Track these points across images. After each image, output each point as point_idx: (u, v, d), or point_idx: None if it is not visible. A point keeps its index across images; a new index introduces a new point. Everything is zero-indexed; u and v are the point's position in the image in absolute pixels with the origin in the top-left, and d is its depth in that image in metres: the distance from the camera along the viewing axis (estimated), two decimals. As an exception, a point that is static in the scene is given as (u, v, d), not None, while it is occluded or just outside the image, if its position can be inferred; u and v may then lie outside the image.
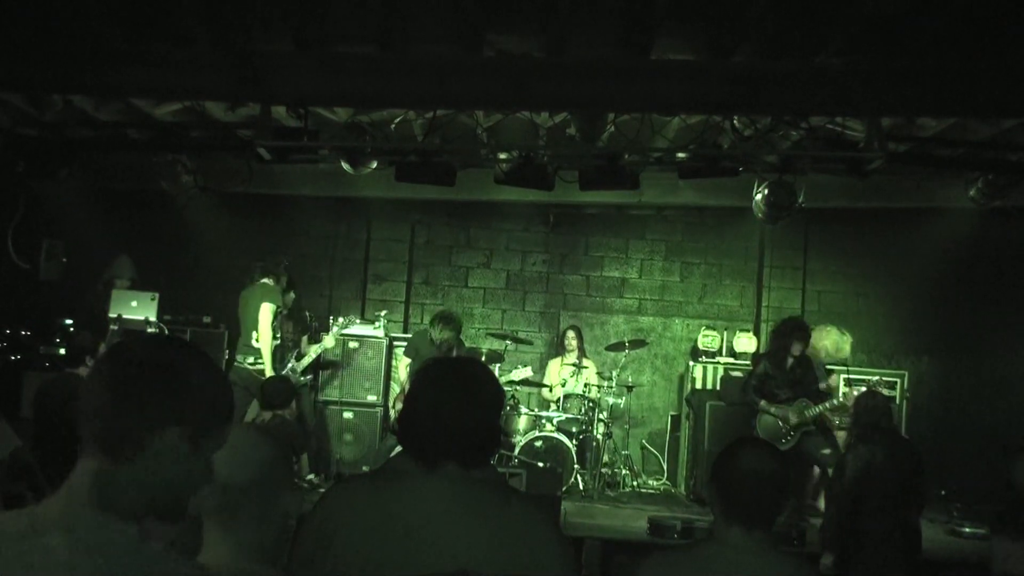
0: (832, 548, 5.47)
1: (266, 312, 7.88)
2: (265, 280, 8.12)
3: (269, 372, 7.82)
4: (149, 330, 8.48)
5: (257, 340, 7.89)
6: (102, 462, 1.54)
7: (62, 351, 8.52)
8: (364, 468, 8.35)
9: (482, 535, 2.11)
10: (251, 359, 7.94)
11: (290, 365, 8.20)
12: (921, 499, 5.49)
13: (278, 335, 8.03)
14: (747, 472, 2.49)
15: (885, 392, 7.47)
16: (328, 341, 8.48)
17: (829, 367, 8.99)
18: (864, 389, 7.21)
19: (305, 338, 8.58)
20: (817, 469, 8.02)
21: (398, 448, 2.40)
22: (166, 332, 8.62)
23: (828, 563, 5.41)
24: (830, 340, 8.08)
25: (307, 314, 9.25)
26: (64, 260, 8.86)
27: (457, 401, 2.22)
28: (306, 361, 8.28)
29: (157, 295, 8.83)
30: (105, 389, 1.56)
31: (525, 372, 9.18)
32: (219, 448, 1.64)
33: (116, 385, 1.56)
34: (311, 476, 8.20)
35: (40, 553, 1.44)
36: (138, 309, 8.74)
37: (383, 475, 2.30)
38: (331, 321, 9.41)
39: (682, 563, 2.57)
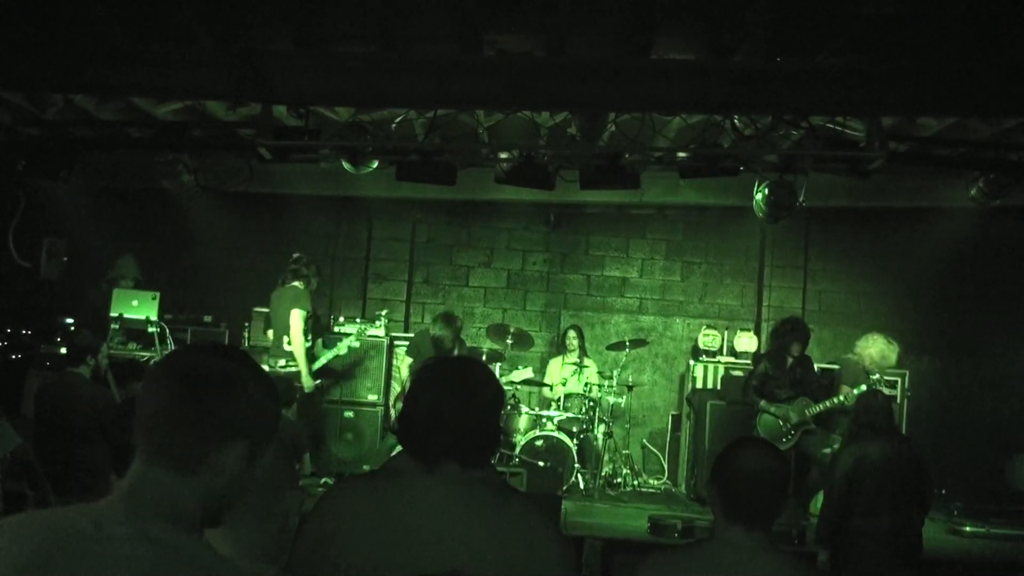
0: (827, 545, 5.47)
1: (296, 319, 7.86)
2: (295, 283, 8.09)
3: (305, 377, 7.81)
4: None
5: (289, 344, 7.89)
6: (164, 473, 1.53)
7: (63, 350, 8.52)
8: (365, 467, 8.35)
9: (481, 535, 2.11)
10: (283, 362, 7.93)
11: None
12: (923, 500, 5.47)
13: (309, 338, 8.03)
14: (747, 472, 2.50)
15: (886, 391, 7.49)
16: (341, 348, 8.47)
17: (827, 367, 9.00)
18: (865, 388, 7.23)
19: (319, 341, 8.52)
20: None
21: (398, 448, 2.39)
22: (158, 328, 8.61)
23: (823, 559, 5.41)
24: (876, 348, 7.95)
25: (320, 316, 9.25)
26: (65, 259, 8.85)
27: (457, 401, 2.21)
28: (316, 366, 8.24)
29: (158, 294, 8.84)
30: (170, 401, 1.55)
31: (526, 373, 9.18)
32: (267, 459, 1.65)
33: (181, 397, 1.55)
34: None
35: (112, 549, 1.43)
36: (139, 308, 8.75)
37: (383, 475, 2.30)
38: (332, 321, 9.42)
39: (682, 562, 2.56)
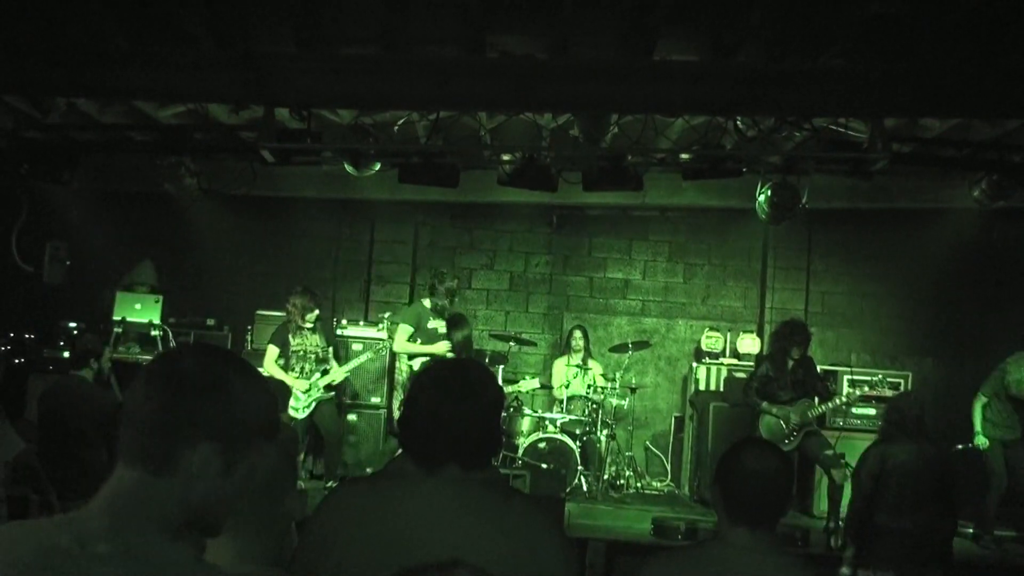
0: (853, 541, 5.52)
1: (399, 334, 8.30)
2: (423, 300, 8.46)
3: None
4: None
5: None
6: (140, 474, 1.51)
7: (66, 354, 8.54)
8: (368, 470, 8.34)
9: (483, 535, 2.10)
10: None
11: (313, 379, 8.16)
12: (949, 505, 5.48)
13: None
14: (750, 473, 2.51)
15: (888, 393, 7.47)
16: (356, 362, 8.52)
17: (829, 368, 8.99)
18: (899, 391, 7.26)
19: (331, 350, 8.49)
20: (819, 469, 8.00)
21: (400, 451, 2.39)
22: (161, 332, 8.62)
23: (849, 556, 5.46)
24: None
25: (334, 325, 9.26)
26: (68, 263, 8.88)
27: (456, 402, 2.20)
28: (329, 379, 8.22)
29: (161, 297, 8.85)
30: (148, 400, 1.53)
31: (533, 383, 9.15)
32: (258, 465, 1.62)
33: (159, 397, 1.53)
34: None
35: (96, 568, 1.41)
36: (142, 312, 8.77)
37: (384, 476, 2.30)
38: (335, 323, 9.41)
39: (686, 563, 2.57)
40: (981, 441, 7.75)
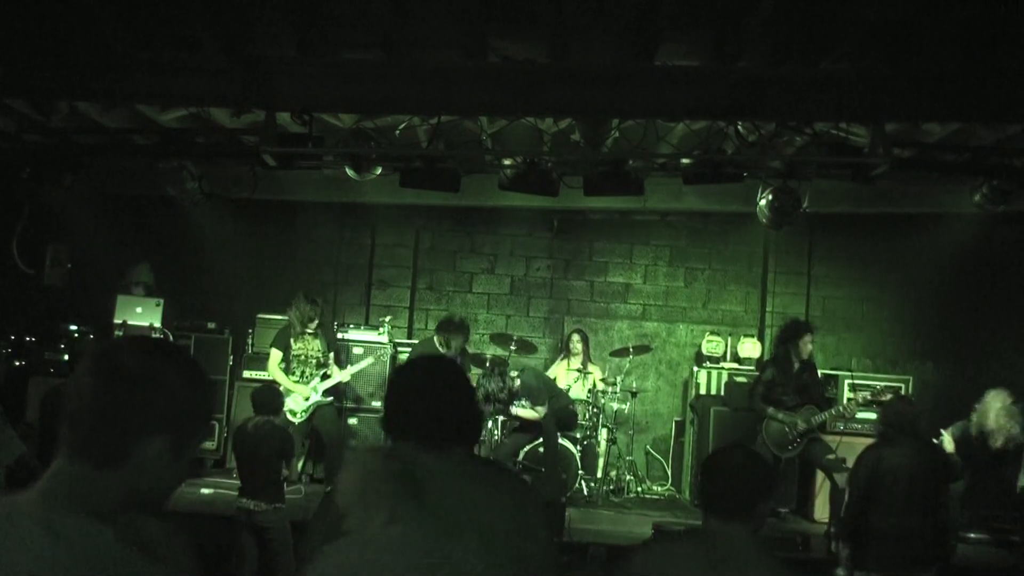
0: (848, 542, 5.54)
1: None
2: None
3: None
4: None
5: None
6: (82, 467, 1.53)
7: (66, 357, 8.54)
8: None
9: (497, 503, 2.20)
10: None
11: (313, 384, 8.16)
12: (943, 508, 5.51)
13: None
14: (719, 468, 2.89)
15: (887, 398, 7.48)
16: (359, 366, 8.53)
17: (830, 372, 9.00)
18: (895, 395, 7.27)
19: (332, 355, 8.47)
20: (821, 474, 8.00)
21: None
22: (161, 335, 8.61)
23: (844, 556, 5.48)
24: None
25: (335, 330, 9.25)
26: (69, 266, 8.88)
27: (425, 383, 2.39)
28: (329, 383, 8.23)
29: (162, 301, 8.85)
30: (89, 396, 1.55)
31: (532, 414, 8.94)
32: (198, 449, 1.67)
33: (101, 393, 1.55)
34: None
35: (17, 540, 1.45)
36: (143, 315, 8.76)
37: (387, 451, 2.35)
38: (336, 327, 9.40)
39: (670, 551, 2.84)
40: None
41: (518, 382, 8.26)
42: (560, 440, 8.47)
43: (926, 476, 5.43)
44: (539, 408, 8.19)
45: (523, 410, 8.21)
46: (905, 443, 5.49)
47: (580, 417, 8.90)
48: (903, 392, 8.66)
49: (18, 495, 1.54)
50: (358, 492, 2.17)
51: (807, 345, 7.81)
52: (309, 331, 8.20)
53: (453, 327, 8.44)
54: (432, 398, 2.34)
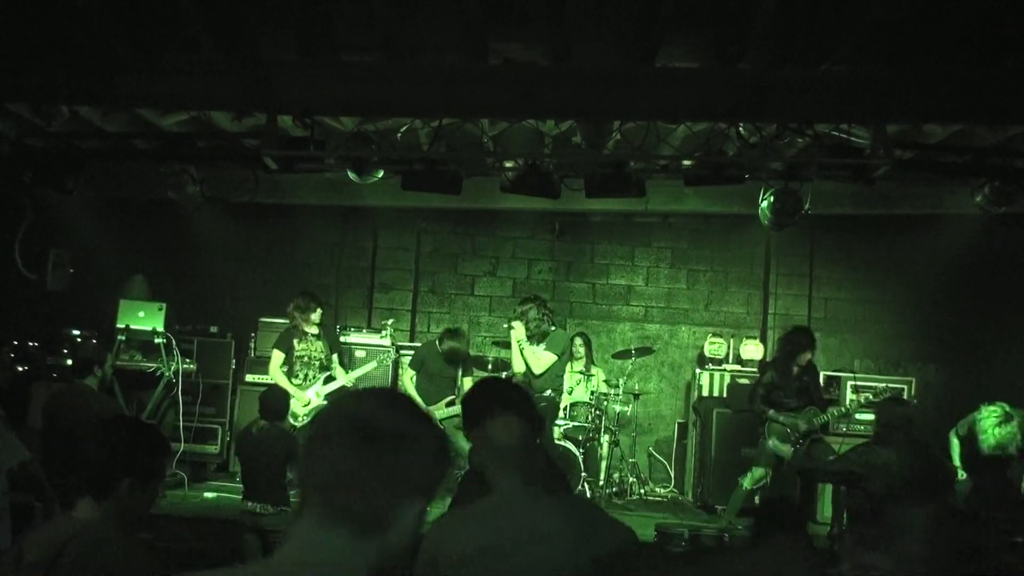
0: (849, 536, 5.55)
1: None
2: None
3: None
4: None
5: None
6: (341, 536, 1.48)
7: (69, 362, 8.53)
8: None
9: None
10: None
11: (315, 389, 8.15)
12: (931, 503, 5.51)
13: None
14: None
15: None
16: (363, 370, 8.50)
17: (833, 374, 8.99)
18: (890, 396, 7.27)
19: (335, 357, 8.46)
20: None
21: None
22: (164, 339, 8.61)
23: (845, 551, 5.48)
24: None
25: (338, 333, 9.24)
26: (71, 270, 8.88)
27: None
28: (332, 387, 8.20)
29: (164, 305, 8.85)
30: (348, 459, 1.50)
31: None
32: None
33: (360, 455, 1.49)
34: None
35: None
36: (145, 319, 8.75)
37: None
38: (338, 330, 9.40)
39: (465, 516, 2.76)
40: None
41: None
42: (563, 442, 8.45)
43: (921, 476, 5.43)
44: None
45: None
46: (896, 442, 5.50)
47: (583, 419, 8.88)
48: (905, 394, 8.65)
49: (255, 566, 1.52)
50: None
51: (805, 358, 7.80)
52: (312, 331, 8.17)
53: (446, 332, 8.42)
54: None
